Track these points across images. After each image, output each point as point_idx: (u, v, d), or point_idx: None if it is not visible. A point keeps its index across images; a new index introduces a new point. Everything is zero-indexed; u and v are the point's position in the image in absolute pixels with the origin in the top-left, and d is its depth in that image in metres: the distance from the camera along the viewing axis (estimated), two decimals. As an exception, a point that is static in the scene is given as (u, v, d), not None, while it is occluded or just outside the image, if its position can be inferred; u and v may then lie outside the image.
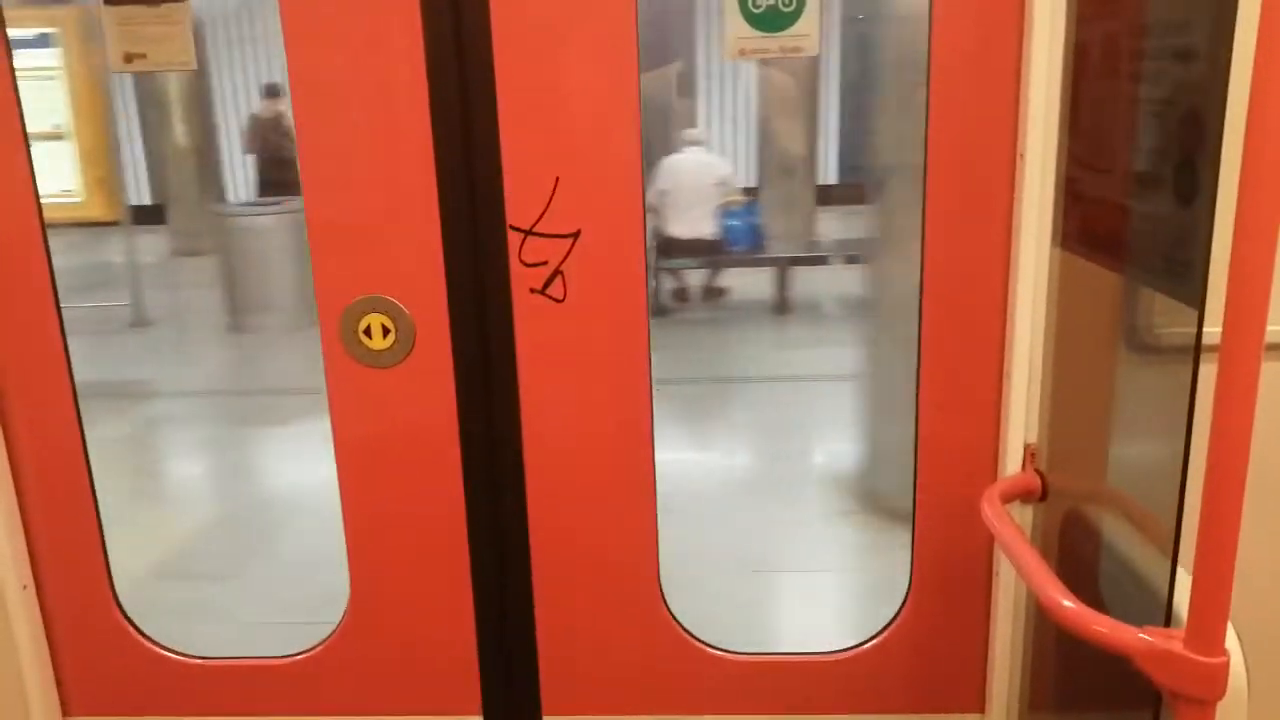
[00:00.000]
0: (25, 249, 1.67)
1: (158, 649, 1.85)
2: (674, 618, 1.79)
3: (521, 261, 1.62)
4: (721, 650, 1.81)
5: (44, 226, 1.66)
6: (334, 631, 1.82)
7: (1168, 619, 1.21)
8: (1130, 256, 1.31)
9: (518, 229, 1.60)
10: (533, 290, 1.63)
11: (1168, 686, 1.09)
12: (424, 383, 1.66)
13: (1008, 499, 1.57)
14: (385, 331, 1.65)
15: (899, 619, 1.77)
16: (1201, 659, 1.06)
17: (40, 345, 1.71)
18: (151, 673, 1.86)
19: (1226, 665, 1.06)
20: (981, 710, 1.78)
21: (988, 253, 1.57)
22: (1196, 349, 1.09)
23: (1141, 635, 1.11)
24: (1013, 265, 1.55)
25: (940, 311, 1.63)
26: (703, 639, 1.81)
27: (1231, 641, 1.09)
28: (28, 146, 1.64)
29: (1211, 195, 1.05)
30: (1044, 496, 1.58)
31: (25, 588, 1.78)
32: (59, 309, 1.71)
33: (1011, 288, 1.56)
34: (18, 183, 1.64)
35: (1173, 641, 1.08)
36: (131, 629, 1.84)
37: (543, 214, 1.60)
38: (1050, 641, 1.67)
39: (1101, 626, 1.16)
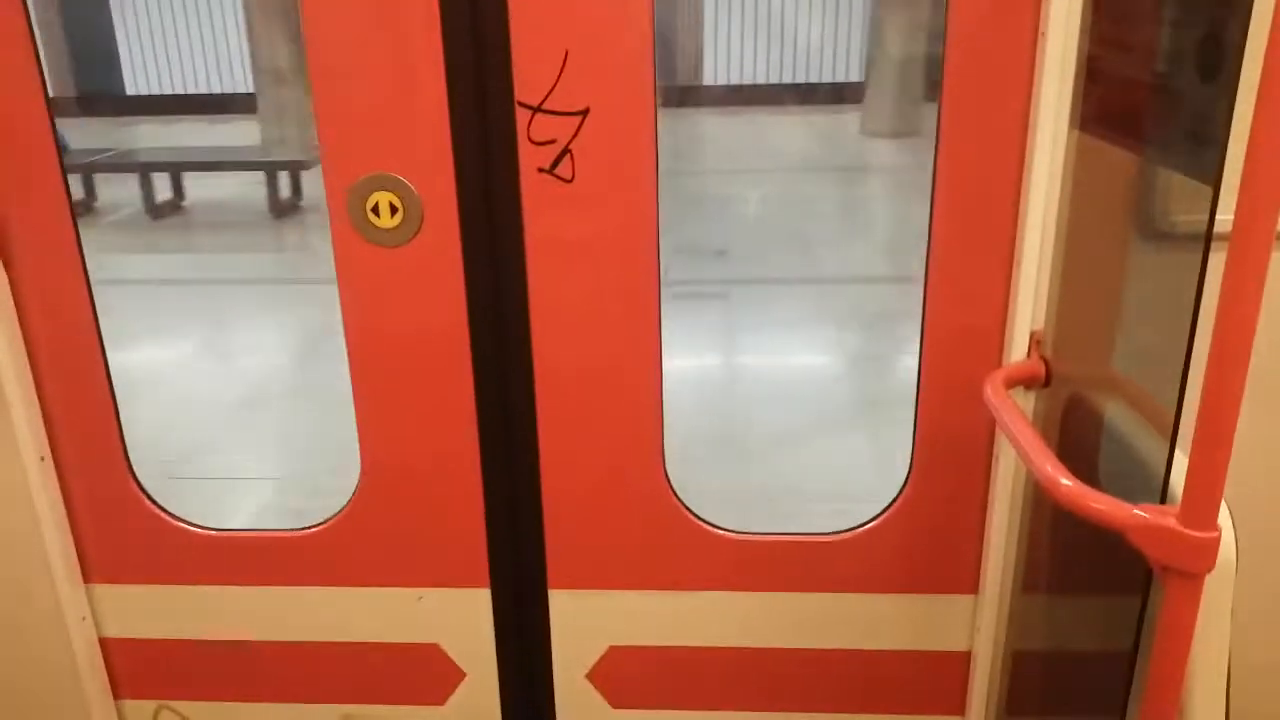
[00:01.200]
0: (30, 128, 1.65)
1: (173, 520, 1.90)
2: (677, 497, 1.83)
3: (530, 140, 1.60)
4: (723, 529, 1.86)
5: (49, 105, 1.64)
6: (345, 506, 1.87)
7: (1163, 498, 1.23)
8: (1149, 136, 1.29)
9: (526, 105, 1.58)
10: (541, 169, 1.61)
11: (1159, 560, 1.12)
12: (432, 261, 1.66)
13: (1011, 384, 1.58)
14: (393, 210, 1.64)
15: (898, 501, 1.80)
16: (1194, 533, 1.08)
17: (49, 222, 1.71)
18: (168, 543, 1.91)
19: (1218, 540, 1.09)
20: (975, 591, 1.83)
21: (1004, 135, 1.55)
22: (1210, 225, 1.09)
23: (1137, 511, 1.14)
24: (1029, 148, 1.52)
25: (952, 195, 1.61)
26: (705, 518, 1.85)
27: (1224, 519, 1.12)
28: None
29: (1236, 68, 1.03)
30: (1048, 383, 1.59)
31: (43, 459, 1.82)
32: (66, 185, 1.70)
33: (1026, 171, 1.54)
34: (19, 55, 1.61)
35: (1167, 517, 1.11)
36: (147, 500, 1.89)
37: (551, 90, 1.57)
38: (1044, 527, 1.71)
39: (1098, 503, 1.18)
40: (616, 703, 1.98)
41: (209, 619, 1.98)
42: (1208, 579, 1.12)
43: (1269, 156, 0.95)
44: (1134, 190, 1.44)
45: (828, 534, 1.86)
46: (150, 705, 2.07)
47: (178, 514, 1.91)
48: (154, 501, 1.90)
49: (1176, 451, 1.21)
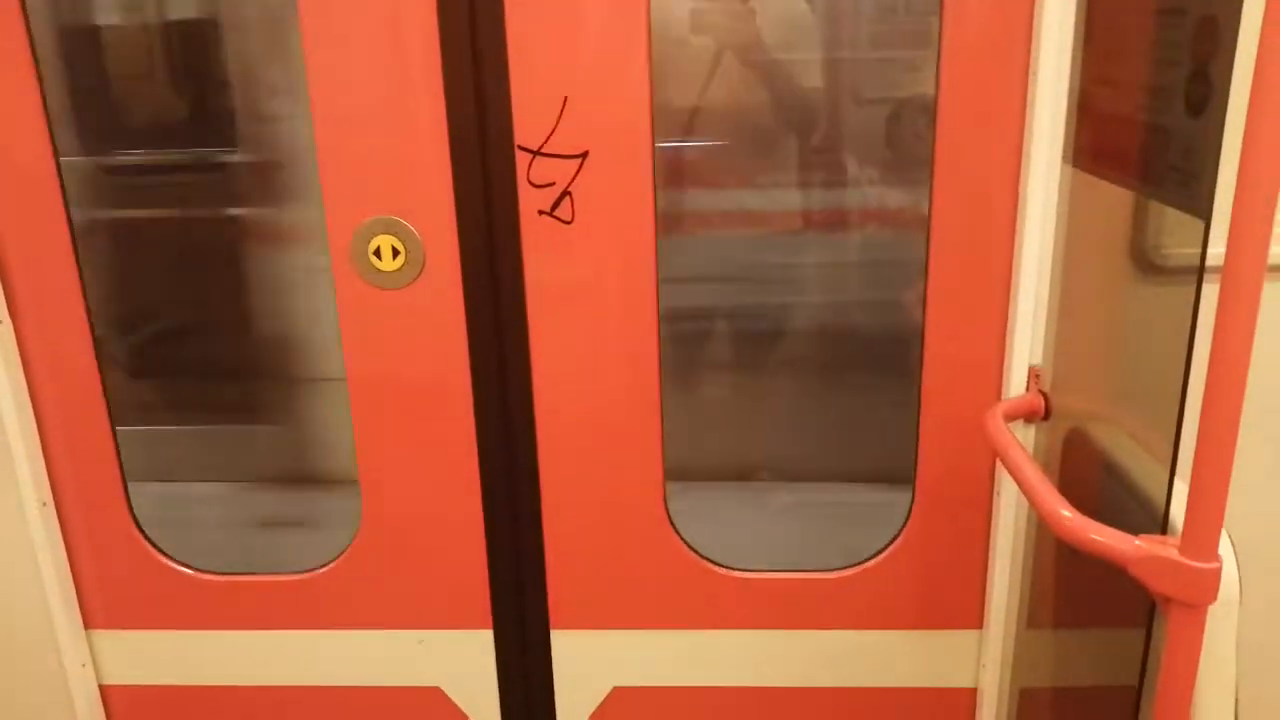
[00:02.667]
0: (36, 178, 1.67)
1: (173, 564, 1.90)
2: (679, 536, 1.82)
3: (530, 183, 1.62)
4: (726, 568, 1.85)
5: (54, 144, 1.66)
6: (347, 548, 1.86)
7: (1164, 530, 1.23)
8: (1140, 170, 1.31)
9: (526, 149, 1.60)
10: (541, 212, 1.63)
11: (1161, 592, 1.12)
12: (433, 303, 1.68)
13: (1011, 418, 1.59)
14: (395, 253, 1.66)
15: (900, 537, 1.80)
16: (1195, 564, 1.08)
17: (52, 272, 1.73)
18: (168, 588, 1.91)
19: (1219, 571, 1.09)
20: (979, 626, 1.83)
21: (998, 171, 1.57)
22: (1202, 258, 1.10)
23: (1137, 543, 1.14)
24: (1022, 183, 1.55)
25: (949, 231, 1.63)
26: (708, 556, 1.85)
27: (1225, 548, 1.12)
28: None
29: (1223, 103, 1.05)
30: (1047, 416, 1.60)
31: (44, 505, 1.82)
32: (72, 235, 1.72)
33: (1021, 206, 1.56)
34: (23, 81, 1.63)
35: (1168, 548, 1.11)
36: (148, 545, 1.89)
37: (551, 134, 1.59)
38: (1049, 561, 1.71)
39: (1099, 535, 1.18)
40: (621, 744, 1.96)
41: (210, 664, 1.96)
42: (1210, 610, 1.12)
43: (1257, 189, 0.97)
44: (1127, 224, 1.46)
45: (831, 570, 1.85)
46: (151, 753, 2.05)
47: (179, 558, 1.91)
48: (155, 545, 1.90)
49: (1176, 482, 1.22)
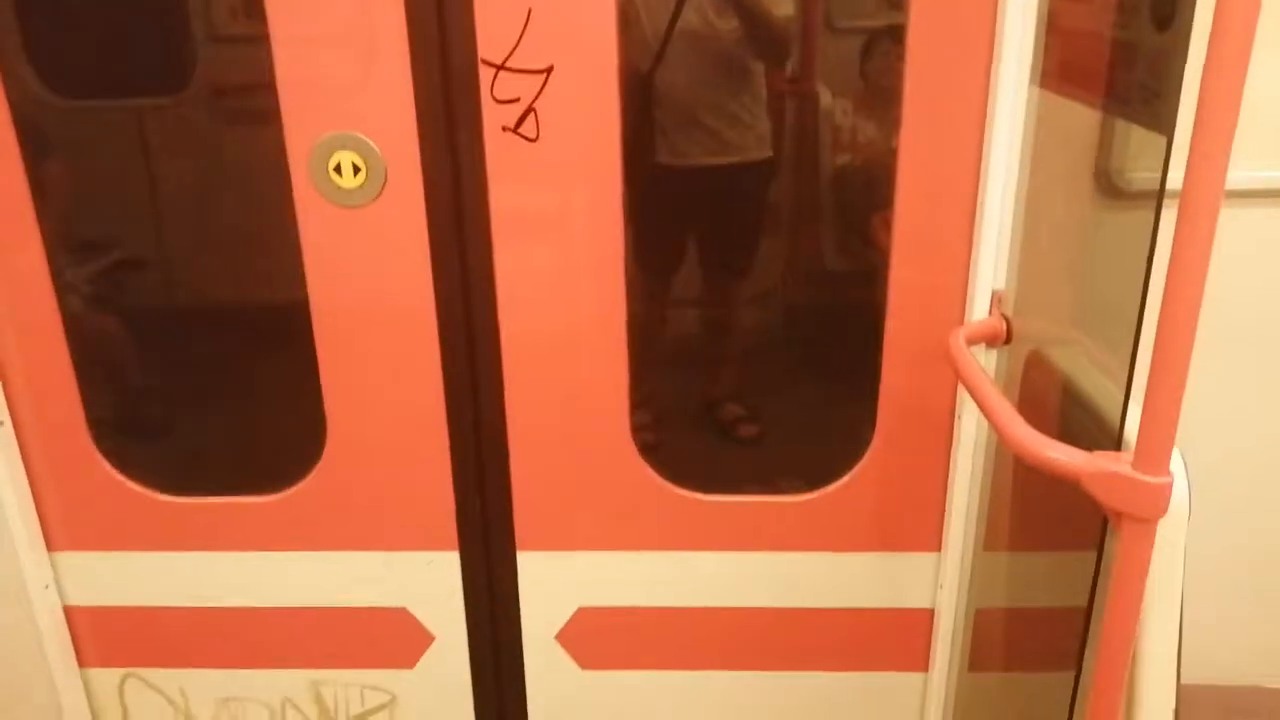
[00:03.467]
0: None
1: (136, 486, 1.89)
2: (644, 458, 1.83)
3: (493, 98, 1.59)
4: (690, 491, 1.87)
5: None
6: (311, 470, 1.86)
7: (1118, 447, 1.25)
8: (1106, 88, 1.31)
9: (489, 63, 1.57)
10: (505, 128, 1.60)
11: (1113, 507, 1.14)
12: (396, 221, 1.65)
13: (973, 342, 1.60)
14: (355, 169, 1.63)
15: (863, 461, 1.82)
16: (1146, 478, 1.10)
17: (5, 192, 1.68)
18: (130, 509, 1.90)
19: (1170, 485, 1.11)
20: (938, 549, 1.86)
21: (966, 94, 1.55)
22: (1164, 175, 1.10)
23: (1091, 458, 1.16)
24: (990, 106, 1.53)
25: (916, 155, 1.62)
26: (672, 480, 1.86)
27: (1176, 464, 1.14)
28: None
29: (1189, 15, 1.04)
30: (1008, 340, 1.62)
31: (1, 424, 1.80)
32: (24, 148, 1.67)
33: (988, 130, 1.55)
34: None
35: (1120, 463, 1.13)
36: (109, 466, 1.87)
37: (515, 48, 1.56)
38: (1006, 484, 1.74)
39: (1054, 452, 1.20)
40: (586, 664, 1.99)
41: (175, 586, 1.96)
42: (1160, 524, 1.14)
43: (1219, 108, 0.97)
44: (1093, 147, 1.46)
45: (794, 495, 1.87)
46: (116, 673, 2.06)
47: (140, 479, 1.89)
48: (117, 467, 1.88)
49: (1131, 402, 1.23)
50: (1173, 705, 1.33)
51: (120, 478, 1.89)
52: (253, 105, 1.67)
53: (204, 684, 2.05)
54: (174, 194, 2.78)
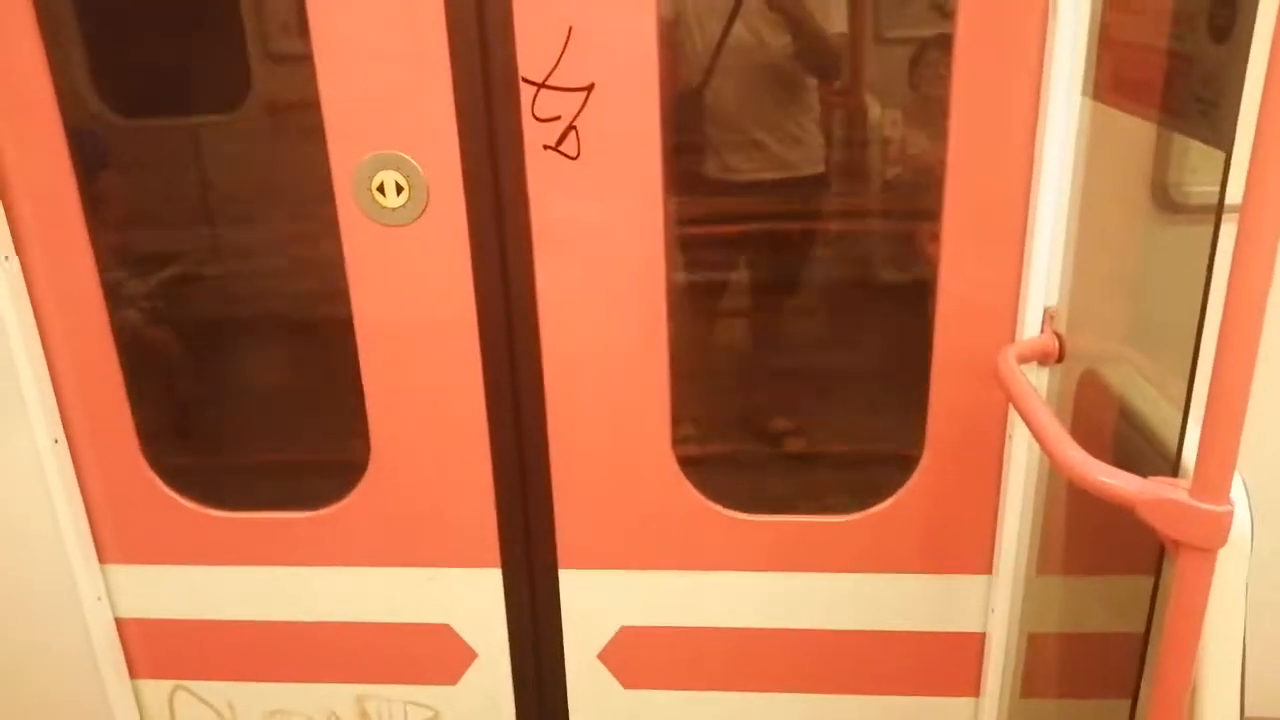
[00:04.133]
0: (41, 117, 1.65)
1: (186, 502, 1.91)
2: (687, 477, 1.81)
3: (534, 116, 1.59)
4: (732, 511, 1.84)
5: (53, 69, 1.64)
6: (356, 487, 1.87)
7: (1175, 472, 1.21)
8: (1162, 101, 1.26)
9: (530, 81, 1.56)
10: (546, 146, 1.60)
11: (1170, 535, 1.10)
12: (438, 240, 1.66)
13: (1024, 360, 1.56)
14: (399, 189, 1.64)
15: (912, 481, 1.78)
16: (1205, 506, 1.06)
17: (58, 207, 1.72)
18: (180, 524, 1.92)
19: (1230, 514, 1.06)
20: (989, 572, 1.81)
21: (1016, 106, 1.52)
22: (1222, 189, 1.06)
23: (1146, 484, 1.11)
24: (1041, 118, 1.49)
25: (966, 169, 1.58)
26: (716, 500, 1.84)
27: (1238, 492, 1.09)
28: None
29: (1249, 27, 1.00)
30: (1061, 358, 1.57)
31: (56, 441, 1.83)
32: (77, 169, 1.70)
33: (1039, 142, 1.51)
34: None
35: (1177, 490, 1.08)
36: (160, 482, 1.90)
37: (555, 66, 1.55)
38: (1060, 506, 1.69)
39: (1108, 477, 1.16)
40: (629, 683, 1.98)
41: (224, 599, 1.99)
42: (1221, 554, 1.09)
43: (1282, 119, 0.93)
44: (1148, 160, 1.41)
45: (841, 516, 1.84)
46: (167, 685, 2.09)
47: (190, 495, 1.92)
48: (167, 483, 1.91)
49: (1189, 425, 1.19)
50: (1235, 740, 1.28)
51: (170, 493, 1.91)
52: (303, 123, 1.69)
53: (251, 697, 2.07)
54: (228, 211, 2.84)
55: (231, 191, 2.78)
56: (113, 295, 1.81)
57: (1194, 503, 1.07)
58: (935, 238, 1.66)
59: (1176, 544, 1.10)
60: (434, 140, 1.60)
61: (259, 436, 2.32)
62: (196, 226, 2.76)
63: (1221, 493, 1.06)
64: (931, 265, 1.68)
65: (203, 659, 2.05)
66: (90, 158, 1.79)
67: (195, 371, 2.39)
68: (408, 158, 1.61)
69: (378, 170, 1.63)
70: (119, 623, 2.01)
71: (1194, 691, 1.24)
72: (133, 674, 2.06)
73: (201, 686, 2.08)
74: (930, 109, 2.89)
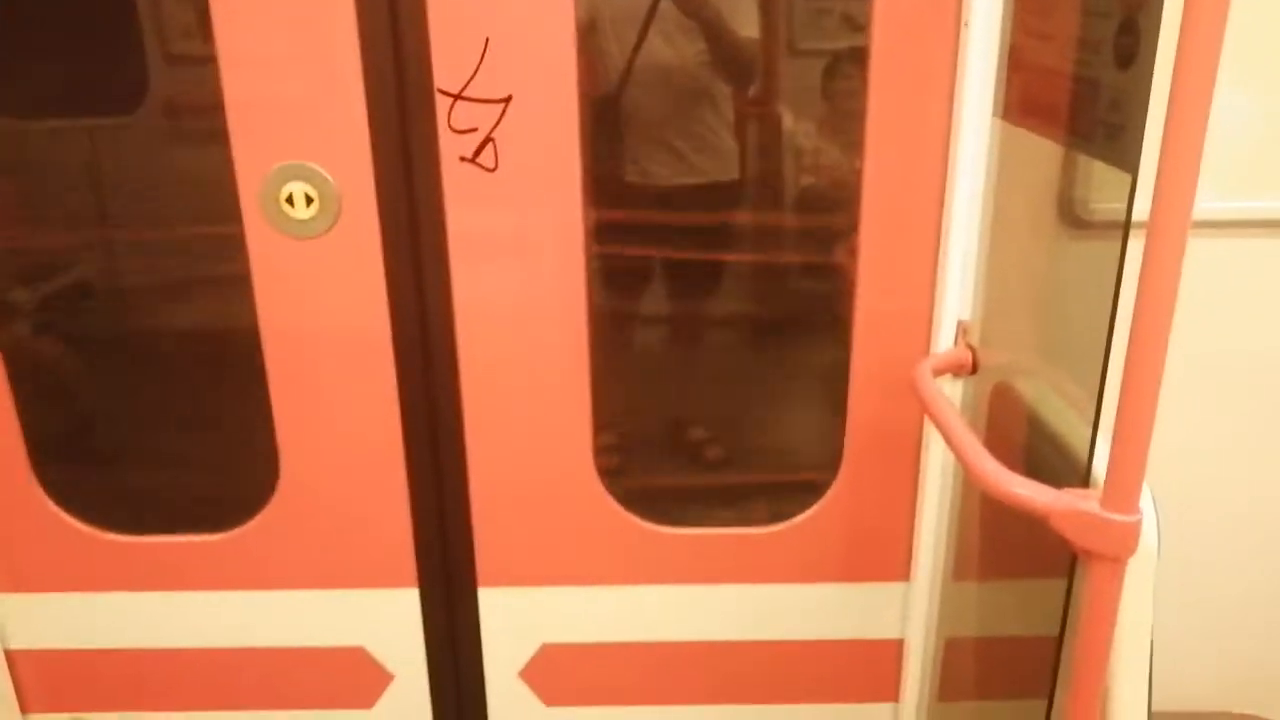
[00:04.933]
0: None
1: (79, 524, 1.82)
2: (608, 491, 1.80)
3: (451, 128, 1.55)
4: (654, 525, 1.83)
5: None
6: (264, 507, 1.80)
7: (1086, 483, 1.24)
8: (1069, 124, 1.30)
9: (446, 93, 1.53)
10: (463, 159, 1.57)
11: (1081, 545, 1.13)
12: (350, 253, 1.61)
13: (939, 373, 1.58)
14: (308, 200, 1.58)
15: (831, 492, 1.80)
16: (1116, 517, 1.09)
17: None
18: (75, 548, 1.83)
19: (1139, 524, 1.09)
20: (906, 579, 1.84)
21: (929, 125, 1.55)
22: (1128, 212, 1.09)
23: (1060, 495, 1.14)
24: (953, 137, 1.53)
25: (880, 185, 1.61)
26: (637, 514, 1.83)
27: (1146, 502, 1.13)
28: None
29: (1151, 55, 1.03)
30: (974, 370, 1.60)
31: None
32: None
33: (951, 160, 1.54)
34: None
35: (1089, 500, 1.11)
36: (52, 503, 1.80)
37: (472, 77, 1.53)
38: (974, 514, 1.72)
39: (1022, 489, 1.18)
40: (551, 700, 1.95)
41: (123, 627, 1.90)
42: (1130, 562, 1.12)
43: (1183, 143, 0.95)
44: (1055, 179, 1.45)
45: (760, 526, 1.84)
46: (63, 718, 1.98)
47: (85, 517, 1.83)
48: (60, 504, 1.81)
49: (1099, 437, 1.22)
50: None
51: (64, 515, 1.82)
52: (206, 128, 1.63)
53: (154, 728, 1.98)
54: (125, 219, 2.71)
55: (131, 198, 2.66)
56: (1, 305, 1.72)
57: (1104, 514, 1.09)
58: (849, 250, 1.68)
59: (1088, 553, 1.13)
60: (346, 151, 1.56)
61: (159, 456, 2.22)
62: (92, 234, 2.63)
63: (1131, 503, 1.09)
64: (847, 277, 1.70)
65: (101, 690, 1.96)
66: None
67: (91, 388, 2.28)
68: (318, 168, 1.57)
69: (286, 181, 1.57)
70: (9, 655, 1.91)
71: (1105, 690, 1.28)
72: (24, 708, 1.96)
73: (102, 718, 1.98)
74: (843, 121, 2.93)
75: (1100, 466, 1.15)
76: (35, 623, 1.90)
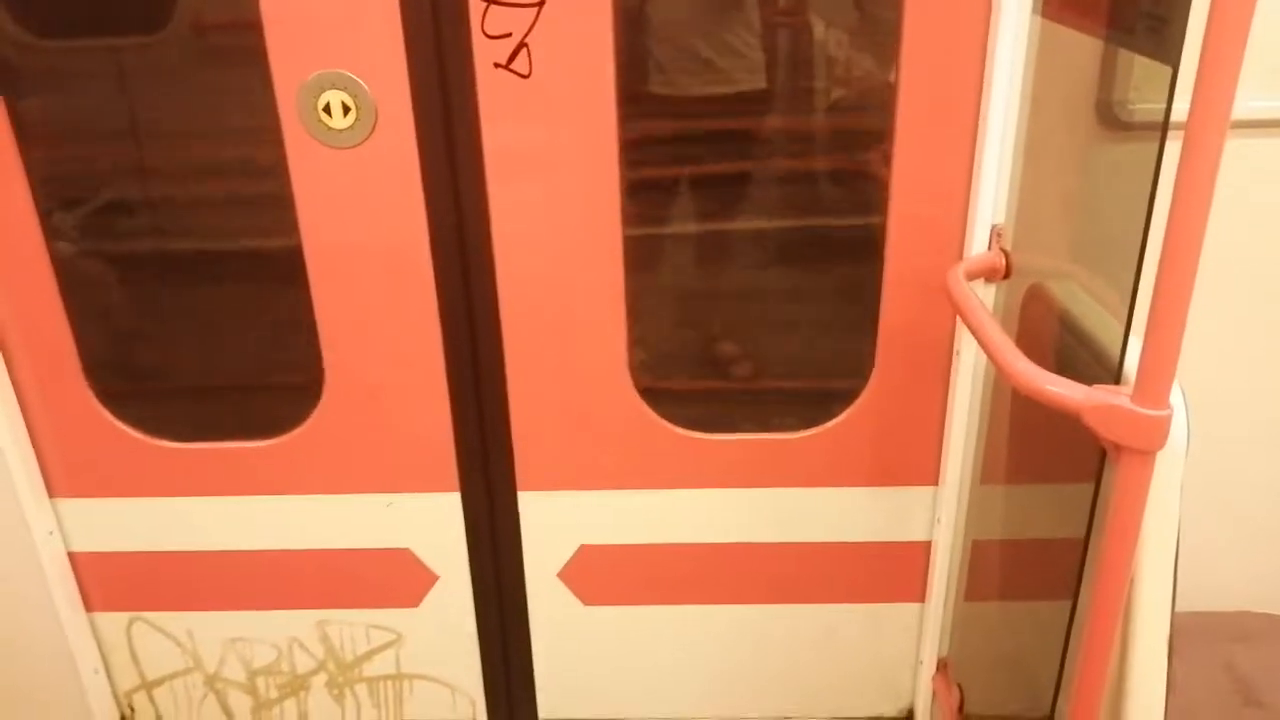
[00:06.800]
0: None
1: (135, 433, 1.89)
2: (643, 399, 1.83)
3: (484, 33, 1.55)
4: (688, 431, 1.87)
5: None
6: (310, 415, 1.86)
7: (1117, 380, 1.26)
8: (1110, 16, 1.28)
9: (480, -3, 1.53)
10: (497, 65, 1.57)
11: (1112, 439, 1.15)
12: (388, 162, 1.63)
13: (972, 277, 1.59)
14: (345, 109, 1.60)
15: (863, 396, 1.83)
16: (1146, 411, 1.11)
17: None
18: (130, 456, 1.90)
19: (1169, 418, 1.11)
20: (935, 483, 1.88)
21: (967, 23, 1.53)
22: (1168, 105, 1.08)
23: (1091, 391, 1.16)
24: (991, 36, 1.51)
25: (915, 89, 1.59)
26: (672, 419, 1.87)
27: (1176, 398, 1.14)
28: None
29: (1198, -58, 1.01)
30: (1008, 274, 1.61)
31: None
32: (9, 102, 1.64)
33: (989, 61, 1.53)
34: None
35: (1120, 395, 1.13)
36: (108, 414, 1.87)
37: (506, -20, 1.52)
38: (1003, 419, 1.75)
39: (1054, 386, 1.20)
40: (588, 599, 2.02)
41: (178, 531, 1.98)
42: (1159, 457, 1.15)
43: (1228, 33, 0.95)
44: (1095, 78, 1.44)
45: (793, 432, 1.88)
46: (123, 617, 2.08)
47: (139, 426, 1.89)
48: (115, 414, 1.88)
49: (1131, 336, 1.23)
50: (1167, 632, 1.36)
51: (119, 424, 1.89)
52: (237, 44, 1.63)
53: (210, 626, 2.08)
54: (165, 136, 2.73)
55: (168, 115, 2.67)
56: (47, 223, 1.75)
57: (1135, 408, 1.11)
58: (883, 156, 1.68)
59: (1118, 447, 1.15)
60: (381, 59, 1.56)
61: (209, 366, 2.28)
62: (131, 155, 2.65)
63: (1162, 398, 1.10)
64: (881, 183, 1.70)
65: (159, 590, 2.05)
66: (7, 82, 1.72)
67: (141, 300, 2.33)
68: (354, 77, 1.58)
69: (323, 90, 1.59)
70: (72, 556, 2.00)
71: (1130, 588, 1.32)
72: (88, 607, 2.06)
73: (159, 617, 2.08)
74: (875, 29, 2.88)
75: (1131, 364, 1.16)
76: (95, 527, 1.98)
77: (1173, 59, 1.07)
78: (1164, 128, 1.12)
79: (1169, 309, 1.07)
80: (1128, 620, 1.33)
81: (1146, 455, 1.14)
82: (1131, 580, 1.30)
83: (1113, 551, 1.23)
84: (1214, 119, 0.98)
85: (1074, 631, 1.44)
